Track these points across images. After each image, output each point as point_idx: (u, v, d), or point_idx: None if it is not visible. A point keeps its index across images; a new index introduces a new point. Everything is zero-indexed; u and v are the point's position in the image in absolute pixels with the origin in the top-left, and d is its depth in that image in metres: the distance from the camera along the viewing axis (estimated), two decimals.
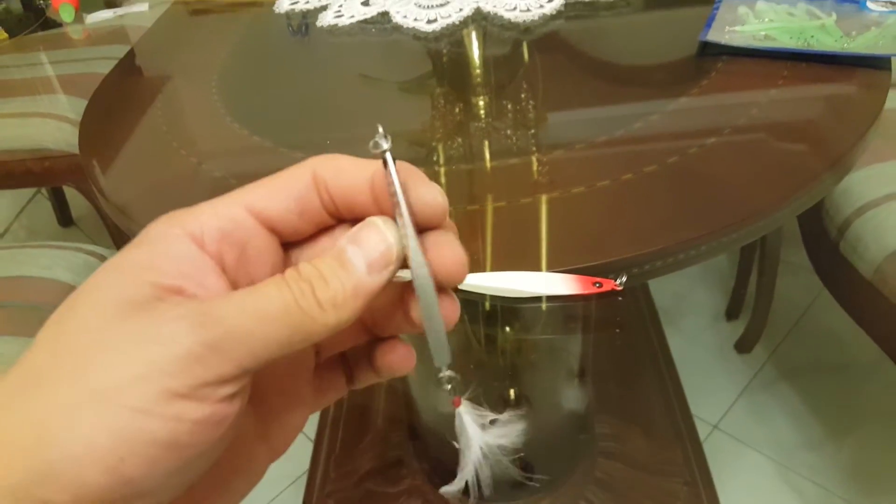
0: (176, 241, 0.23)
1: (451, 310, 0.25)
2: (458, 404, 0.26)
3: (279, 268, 0.25)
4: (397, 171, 0.24)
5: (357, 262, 0.23)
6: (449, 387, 0.26)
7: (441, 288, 0.25)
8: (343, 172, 0.25)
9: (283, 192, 0.25)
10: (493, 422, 0.26)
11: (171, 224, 0.23)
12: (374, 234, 0.24)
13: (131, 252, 0.22)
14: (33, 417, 0.19)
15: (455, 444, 0.27)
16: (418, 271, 0.24)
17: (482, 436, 0.26)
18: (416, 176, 0.25)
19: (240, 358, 0.21)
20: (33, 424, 0.19)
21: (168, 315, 0.20)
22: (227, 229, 0.24)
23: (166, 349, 0.20)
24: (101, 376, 0.19)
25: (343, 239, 0.24)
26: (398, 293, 0.25)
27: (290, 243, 0.26)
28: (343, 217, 0.26)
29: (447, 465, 0.27)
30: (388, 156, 0.24)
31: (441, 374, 0.26)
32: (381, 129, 0.23)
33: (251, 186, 0.25)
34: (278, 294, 0.22)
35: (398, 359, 0.27)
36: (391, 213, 0.24)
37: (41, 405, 0.19)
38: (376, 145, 0.23)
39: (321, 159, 0.25)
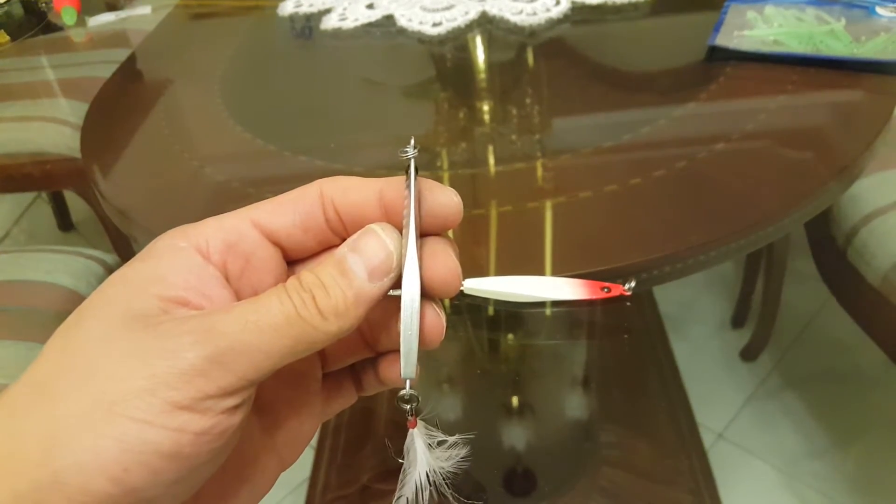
0: (181, 254, 0.23)
1: (435, 324, 0.24)
2: (413, 426, 0.26)
3: (282, 279, 0.25)
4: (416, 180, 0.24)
5: (358, 269, 0.23)
6: (408, 406, 0.25)
7: (431, 299, 0.24)
8: (350, 190, 0.25)
9: (289, 207, 0.25)
10: (440, 443, 0.26)
11: (176, 237, 0.24)
12: (373, 241, 0.23)
13: (138, 265, 0.23)
14: (40, 427, 0.20)
15: (399, 460, 0.26)
16: (408, 275, 0.23)
17: (430, 459, 0.26)
18: (433, 183, 0.25)
19: (243, 370, 0.21)
20: (40, 434, 0.19)
21: (173, 330, 0.21)
22: (232, 240, 0.24)
23: (170, 363, 0.20)
24: (108, 388, 0.20)
25: (343, 246, 0.24)
26: (395, 306, 0.25)
27: (296, 260, 0.26)
28: (348, 235, 0.26)
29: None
30: (412, 162, 0.25)
31: (402, 392, 0.25)
32: (412, 141, 0.25)
33: (259, 203, 0.25)
34: (280, 305, 0.22)
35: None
36: (401, 223, 0.24)
37: (48, 415, 0.20)
38: (404, 151, 0.25)
39: (329, 179, 0.26)
